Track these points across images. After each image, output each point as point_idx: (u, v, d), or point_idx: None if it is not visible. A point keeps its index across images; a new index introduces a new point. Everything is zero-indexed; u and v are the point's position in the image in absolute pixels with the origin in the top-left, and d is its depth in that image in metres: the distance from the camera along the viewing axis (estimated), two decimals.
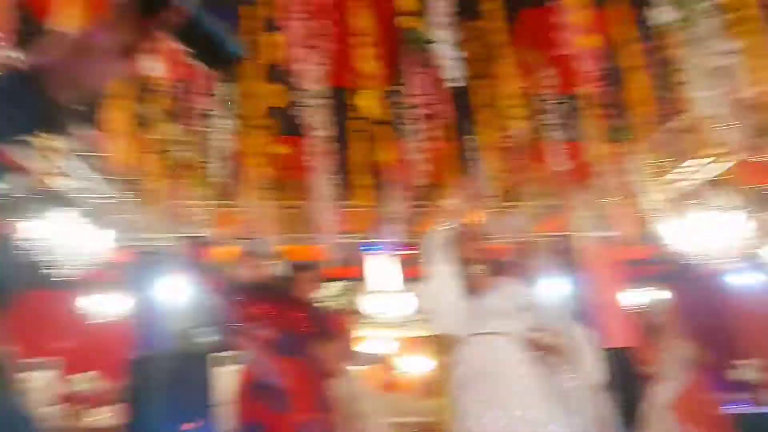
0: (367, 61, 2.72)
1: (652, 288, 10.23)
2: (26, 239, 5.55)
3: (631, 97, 3.51)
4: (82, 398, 7.48)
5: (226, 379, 5.51)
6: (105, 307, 8.87)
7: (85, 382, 7.69)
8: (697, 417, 3.57)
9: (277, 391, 2.42)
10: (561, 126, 4.24)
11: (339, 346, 2.86)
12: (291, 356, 2.52)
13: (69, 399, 7.44)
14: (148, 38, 0.73)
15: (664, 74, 4.03)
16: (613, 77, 3.70)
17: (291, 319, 2.70)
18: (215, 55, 0.76)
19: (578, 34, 2.79)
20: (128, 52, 0.72)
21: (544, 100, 4.23)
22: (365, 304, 8.82)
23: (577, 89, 4.18)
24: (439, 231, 2.78)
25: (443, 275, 2.74)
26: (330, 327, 2.85)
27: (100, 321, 8.80)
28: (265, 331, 2.59)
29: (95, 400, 7.57)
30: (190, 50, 0.75)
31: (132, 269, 7.57)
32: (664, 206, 5.29)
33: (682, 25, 3.12)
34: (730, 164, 4.28)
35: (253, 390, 2.53)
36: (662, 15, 2.89)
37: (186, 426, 5.33)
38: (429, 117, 4.01)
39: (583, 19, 2.93)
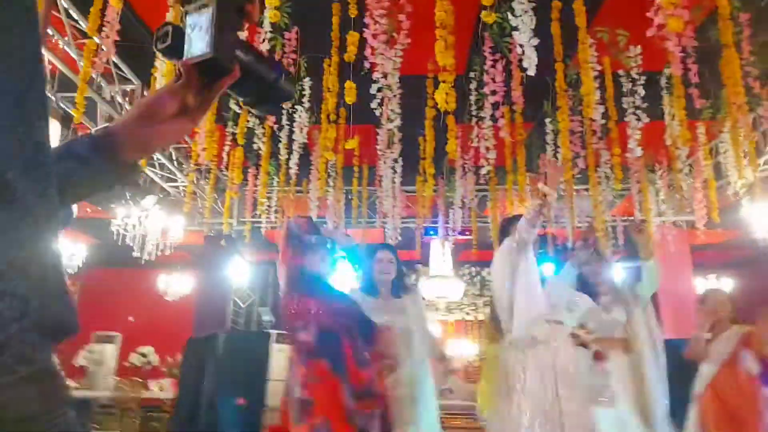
0: (445, 55, 2.65)
1: (724, 275, 9.77)
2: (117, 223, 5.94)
3: (725, 75, 3.27)
4: (142, 371, 7.92)
5: (282, 358, 5.65)
6: (178, 286, 9.33)
7: (144, 355, 8.12)
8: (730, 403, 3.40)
9: (302, 402, 2.39)
10: (643, 105, 4.02)
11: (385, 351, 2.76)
12: (327, 361, 2.44)
13: (130, 371, 7.90)
14: (211, 100, 0.76)
15: (762, 51, 3.76)
16: (704, 54, 3.48)
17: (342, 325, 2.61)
18: (266, 101, 0.77)
19: (668, 11, 2.60)
20: (193, 113, 0.75)
21: (628, 79, 4.01)
22: (424, 288, 8.84)
23: (663, 67, 3.97)
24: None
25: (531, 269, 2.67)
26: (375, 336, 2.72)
27: (172, 299, 9.27)
28: (304, 332, 2.51)
29: (154, 373, 8.00)
30: (242, 99, 0.77)
31: (203, 252, 7.89)
32: (753, 188, 4.96)
33: None
34: None
35: (286, 400, 2.55)
36: None
37: (241, 401, 5.53)
38: (503, 103, 3.92)
39: None
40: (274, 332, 7.22)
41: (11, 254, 0.43)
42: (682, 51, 2.84)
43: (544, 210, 2.54)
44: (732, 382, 3.42)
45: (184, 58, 0.69)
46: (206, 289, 7.87)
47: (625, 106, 4.02)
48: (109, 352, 8.26)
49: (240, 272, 9.72)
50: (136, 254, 6.36)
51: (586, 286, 3.26)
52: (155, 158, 5.65)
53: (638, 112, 3.97)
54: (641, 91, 3.91)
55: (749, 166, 4.57)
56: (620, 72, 4.04)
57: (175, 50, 0.69)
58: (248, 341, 6.33)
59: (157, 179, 6.16)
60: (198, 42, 0.68)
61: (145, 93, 4.76)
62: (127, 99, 4.81)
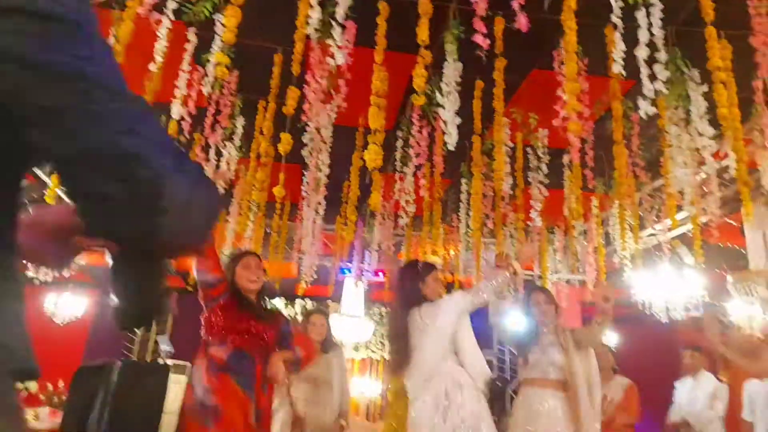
0: (376, 119, 2.86)
1: (609, 329, 10.70)
2: None
3: (615, 165, 3.77)
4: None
5: (178, 390, 5.43)
6: (69, 308, 8.66)
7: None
8: None
9: (211, 412, 2.42)
10: (546, 181, 4.50)
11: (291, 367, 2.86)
12: (238, 377, 2.51)
13: None
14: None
15: (650, 144, 4.36)
16: (603, 139, 3.98)
17: (260, 338, 2.66)
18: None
19: (573, 99, 2.99)
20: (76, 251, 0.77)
21: (535, 156, 4.48)
22: (333, 325, 8.86)
23: (565, 146, 4.46)
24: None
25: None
26: (291, 346, 2.82)
27: (61, 321, 8.59)
28: (220, 348, 2.55)
29: (31, 401, 7.36)
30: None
31: (105, 274, 7.44)
32: (634, 258, 5.60)
33: (671, 105, 3.40)
34: (698, 225, 4.60)
35: (191, 408, 2.53)
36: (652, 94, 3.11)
37: None
38: (425, 162, 4.20)
39: (578, 86, 3.13)
40: (171, 363, 6.92)
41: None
42: (581, 142, 3.25)
43: (510, 283, 2.83)
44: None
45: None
46: (104, 313, 7.40)
47: (530, 180, 4.48)
48: None
49: None
50: (30, 274, 5.90)
51: (532, 325, 3.47)
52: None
53: (540, 186, 4.45)
54: (544, 169, 4.39)
55: (632, 239, 5.19)
56: (529, 148, 4.51)
57: None
58: (145, 372, 6.01)
59: (62, 194, 5.81)
60: None
61: None
62: None
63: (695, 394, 5.15)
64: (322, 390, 3.69)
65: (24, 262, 0.78)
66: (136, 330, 9.48)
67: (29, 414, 6.92)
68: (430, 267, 3.10)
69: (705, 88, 3.02)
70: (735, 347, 3.53)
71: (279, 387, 3.71)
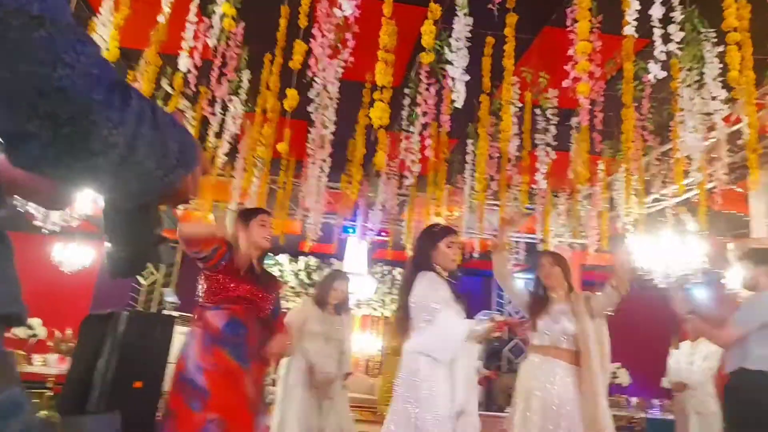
0: (384, 75, 2.82)
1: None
2: None
3: (623, 128, 3.73)
4: (27, 344, 7.44)
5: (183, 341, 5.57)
6: (76, 257, 8.79)
7: (31, 327, 7.62)
8: None
9: (199, 394, 2.33)
10: (553, 143, 4.46)
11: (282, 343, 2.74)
12: (232, 349, 2.43)
13: (13, 343, 7.41)
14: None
15: (660, 107, 4.30)
16: (614, 100, 3.92)
17: (258, 306, 2.56)
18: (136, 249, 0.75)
19: (584, 60, 2.93)
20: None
21: (544, 117, 4.42)
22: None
23: (574, 107, 4.41)
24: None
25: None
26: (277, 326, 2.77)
27: (69, 271, 8.73)
28: (216, 314, 2.54)
29: (40, 347, 7.56)
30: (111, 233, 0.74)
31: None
32: (637, 223, 5.61)
33: (684, 67, 3.33)
34: (705, 191, 4.58)
35: (180, 381, 2.52)
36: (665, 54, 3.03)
37: (138, 384, 5.40)
38: (431, 121, 4.16)
39: (589, 45, 3.06)
40: (176, 314, 7.06)
41: None
42: (590, 103, 3.21)
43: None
44: None
45: None
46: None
47: (537, 141, 4.44)
48: None
49: None
50: (38, 223, 5.97)
51: (539, 293, 3.30)
52: None
53: (548, 148, 4.41)
54: (553, 130, 4.34)
55: (637, 203, 5.19)
56: (537, 109, 4.44)
57: None
58: (151, 322, 6.15)
59: None
60: None
61: None
62: None
63: (692, 358, 5.32)
64: (330, 345, 4.11)
65: (19, 199, 0.79)
66: (141, 281, 9.66)
67: (38, 360, 7.14)
68: (444, 233, 2.86)
69: (721, 48, 2.95)
70: (701, 318, 3.50)
71: (293, 339, 4.02)
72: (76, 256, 8.77)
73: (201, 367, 2.41)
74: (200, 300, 2.61)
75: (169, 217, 7.45)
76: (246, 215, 2.76)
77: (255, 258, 2.69)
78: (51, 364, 7.08)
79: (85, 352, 5.40)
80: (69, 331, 7.64)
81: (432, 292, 2.59)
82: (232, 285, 2.54)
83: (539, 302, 3.28)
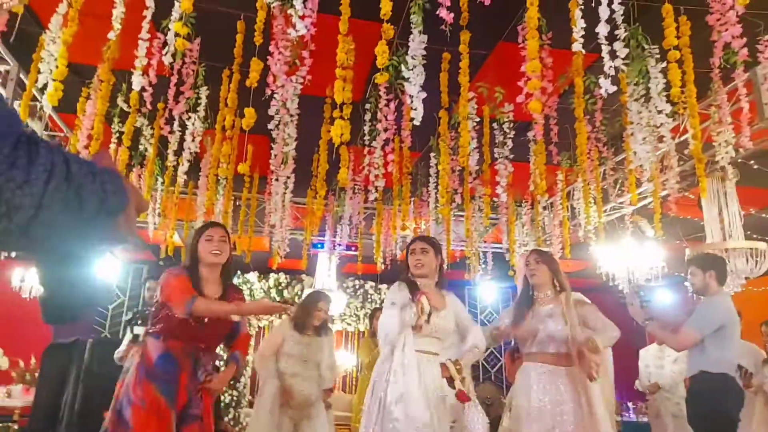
0: (343, 93, 2.84)
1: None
2: None
3: (577, 141, 3.84)
4: None
5: None
6: (35, 282, 8.50)
7: None
8: None
9: (122, 423, 2.33)
10: (511, 156, 4.55)
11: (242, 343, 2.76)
12: (161, 385, 2.40)
13: None
14: None
15: (613, 119, 4.44)
16: (568, 112, 4.04)
17: (201, 341, 2.52)
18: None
19: (536, 77, 3.01)
20: None
21: (501, 131, 4.52)
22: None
23: (531, 120, 4.51)
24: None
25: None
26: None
27: (28, 296, 8.43)
28: (155, 343, 2.46)
29: (3, 379, 7.26)
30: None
31: None
32: (597, 231, 5.76)
33: (631, 81, 3.46)
34: (659, 199, 4.74)
35: (113, 409, 2.46)
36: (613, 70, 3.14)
37: (107, 413, 5.25)
38: (393, 136, 4.20)
39: (540, 65, 3.15)
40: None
41: None
42: (544, 116, 3.29)
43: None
44: None
45: None
46: None
47: (496, 155, 4.53)
48: None
49: (110, 271, 9.13)
50: None
51: (526, 293, 3.12)
52: None
53: (506, 161, 4.51)
54: (510, 143, 4.45)
55: (596, 212, 5.32)
56: (495, 123, 4.54)
57: None
58: (117, 349, 5.98)
59: None
60: None
61: (21, 76, 4.39)
62: (0, 80, 4.41)
63: (662, 362, 5.44)
64: (308, 367, 4.07)
65: None
66: (107, 306, 9.39)
67: (1, 392, 6.84)
68: (411, 243, 3.03)
69: (664, 64, 3.08)
70: (656, 322, 3.50)
71: (266, 362, 3.97)
72: (37, 281, 8.47)
73: (131, 399, 2.40)
74: (148, 325, 2.60)
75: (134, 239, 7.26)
76: (195, 233, 2.72)
77: (212, 277, 2.62)
78: (16, 396, 6.78)
79: (49, 381, 5.21)
80: (33, 360, 7.36)
81: (387, 298, 2.87)
82: (179, 323, 2.46)
83: (525, 305, 3.08)
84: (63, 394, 4.91)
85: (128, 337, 4.11)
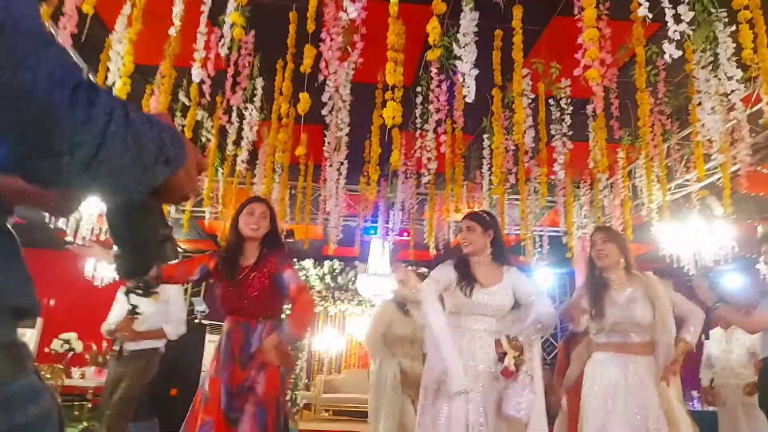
0: (394, 75, 2.85)
1: None
2: None
3: (639, 114, 3.68)
4: (64, 357, 7.67)
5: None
6: (107, 271, 9.02)
7: (67, 341, 7.85)
8: None
9: (203, 393, 2.47)
10: (569, 133, 4.42)
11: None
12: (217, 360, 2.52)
13: (50, 358, 7.64)
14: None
15: (677, 91, 4.23)
16: (629, 86, 3.88)
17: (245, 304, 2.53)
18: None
19: (594, 45, 2.91)
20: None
21: (558, 108, 4.39)
22: (361, 284, 9.06)
23: (589, 96, 4.36)
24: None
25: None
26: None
27: (100, 284, 8.97)
28: (224, 327, 2.58)
29: (77, 361, 7.77)
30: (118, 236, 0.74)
31: None
32: (662, 211, 5.51)
33: (698, 48, 3.28)
34: (728, 174, 4.48)
35: (200, 382, 2.63)
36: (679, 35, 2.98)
37: (174, 392, 5.51)
38: (446, 118, 4.17)
39: (598, 33, 3.03)
40: (207, 323, 7.20)
41: None
42: (604, 90, 3.18)
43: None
44: None
45: None
46: None
47: (553, 132, 4.40)
48: (28, 337, 7.91)
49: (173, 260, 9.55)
50: (68, 238, 6.17)
51: (596, 279, 2.89)
52: None
53: (564, 138, 4.37)
54: (568, 120, 4.31)
55: (660, 191, 5.10)
56: (551, 100, 4.41)
57: None
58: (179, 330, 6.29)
59: None
60: None
61: (90, 77, 4.65)
62: None
63: (730, 346, 5.17)
64: (416, 347, 4.16)
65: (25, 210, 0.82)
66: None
67: (76, 373, 7.35)
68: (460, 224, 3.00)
69: (732, 28, 2.90)
70: (729, 307, 3.26)
71: (375, 345, 4.15)
72: (107, 270, 9.00)
73: (209, 373, 2.56)
74: None
75: (193, 228, 7.61)
76: (237, 210, 2.72)
77: (250, 251, 2.63)
78: (89, 377, 7.29)
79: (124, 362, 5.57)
80: (104, 344, 7.87)
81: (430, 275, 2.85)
82: (221, 294, 2.59)
83: (598, 290, 2.83)
84: None
85: (119, 309, 4.32)
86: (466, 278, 2.72)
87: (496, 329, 2.67)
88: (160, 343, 4.40)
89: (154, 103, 3.90)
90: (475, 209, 6.44)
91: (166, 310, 4.37)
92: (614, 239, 2.89)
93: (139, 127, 0.58)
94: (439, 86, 3.71)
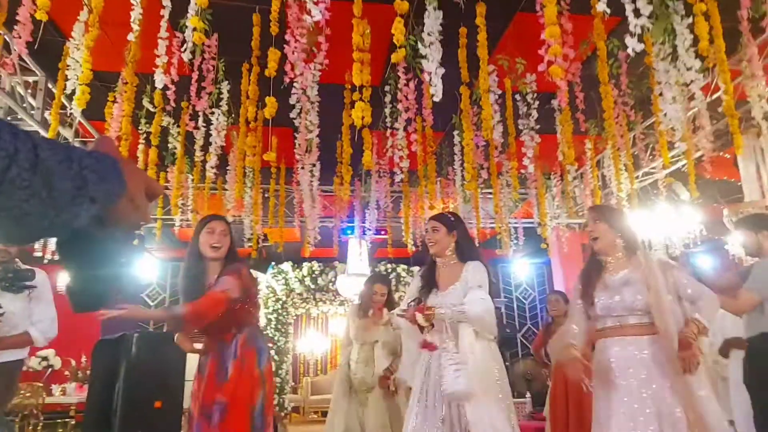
0: (361, 75, 2.84)
1: None
2: None
3: (603, 106, 3.75)
4: (43, 375, 7.49)
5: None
6: None
7: (45, 359, 7.66)
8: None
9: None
10: (537, 127, 4.48)
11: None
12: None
13: (29, 376, 7.46)
14: None
15: (639, 82, 4.32)
16: (592, 79, 3.95)
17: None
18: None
19: (556, 42, 2.94)
20: None
21: (524, 103, 4.44)
22: (341, 285, 9.05)
23: (554, 90, 4.43)
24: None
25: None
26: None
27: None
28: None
29: (57, 378, 7.61)
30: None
31: None
32: (630, 198, 5.63)
33: (657, 41, 3.35)
34: (692, 160, 4.60)
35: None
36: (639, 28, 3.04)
37: (158, 404, 5.44)
38: (415, 116, 4.18)
39: (560, 30, 3.08)
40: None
41: None
42: (568, 84, 3.23)
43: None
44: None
45: None
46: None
47: (521, 127, 4.46)
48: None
49: (149, 269, 9.41)
50: (37, 254, 6.01)
51: (594, 263, 2.66)
52: None
53: (532, 132, 4.43)
54: (535, 114, 4.37)
55: (628, 179, 5.21)
56: (518, 95, 4.47)
57: None
58: (162, 342, 6.19)
59: None
60: None
61: (49, 85, 4.53)
62: (29, 91, 4.56)
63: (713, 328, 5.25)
64: (364, 349, 4.16)
65: None
66: (149, 302, 9.71)
67: (57, 390, 7.18)
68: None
69: (689, 20, 2.97)
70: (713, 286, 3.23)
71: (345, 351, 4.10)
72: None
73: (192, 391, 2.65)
74: None
75: (167, 236, 7.47)
76: (196, 228, 2.66)
77: (212, 271, 2.59)
78: (70, 393, 7.12)
79: (100, 376, 5.44)
80: (84, 359, 7.69)
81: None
82: None
83: (590, 277, 2.63)
84: (114, 388, 5.12)
85: None
86: (428, 285, 2.80)
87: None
88: (24, 353, 3.39)
89: (117, 110, 3.82)
90: (442, 209, 6.52)
91: (33, 308, 3.30)
92: (605, 218, 2.62)
93: (51, 167, 0.54)
94: (407, 85, 3.71)
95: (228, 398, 2.40)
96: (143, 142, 4.68)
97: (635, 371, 2.41)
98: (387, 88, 4.28)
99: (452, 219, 2.90)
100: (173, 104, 3.64)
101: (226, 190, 5.81)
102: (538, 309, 11.64)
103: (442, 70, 2.82)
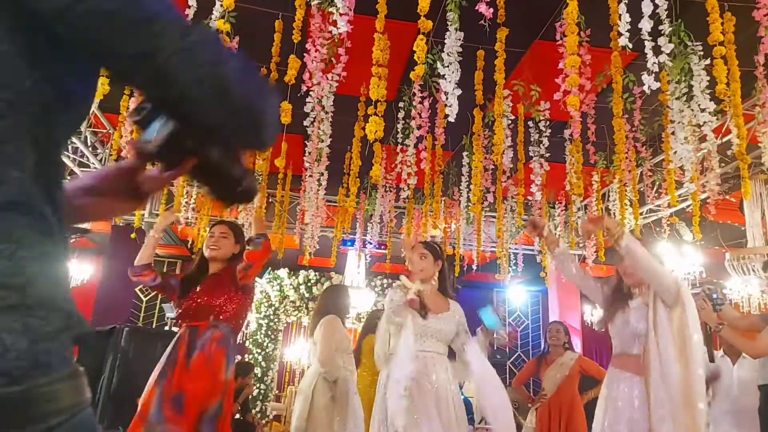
0: (377, 90, 2.86)
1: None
2: None
3: (615, 139, 3.76)
4: None
5: None
6: (76, 273, 8.80)
7: None
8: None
9: None
10: (546, 155, 4.50)
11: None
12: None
13: None
14: (160, 184, 0.77)
15: (652, 119, 4.35)
16: (605, 111, 3.97)
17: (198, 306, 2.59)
18: (226, 197, 0.75)
19: (575, 72, 2.97)
20: (140, 194, 0.76)
21: (536, 130, 4.47)
22: None
23: (567, 119, 4.46)
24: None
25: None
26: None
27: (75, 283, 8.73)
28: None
29: None
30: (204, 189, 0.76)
31: (110, 240, 7.56)
32: (634, 233, 5.63)
33: (673, 79, 3.38)
34: (698, 202, 4.61)
35: None
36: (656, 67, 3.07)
37: (139, 400, 5.39)
38: (426, 134, 4.20)
39: (578, 60, 3.10)
40: (176, 330, 7.06)
41: (59, 280, 0.54)
42: (582, 114, 3.25)
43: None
44: (565, 400, 3.99)
45: (135, 141, 0.69)
46: (109, 279, 7.53)
47: (531, 153, 4.48)
48: None
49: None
50: None
51: (620, 290, 2.69)
52: (70, 141, 5.40)
53: (541, 160, 4.45)
54: (546, 142, 4.39)
55: (632, 215, 5.21)
56: (530, 121, 4.49)
57: (141, 126, 0.68)
58: (152, 338, 6.14)
59: (68, 162, 5.88)
60: (151, 130, 0.67)
61: None
62: None
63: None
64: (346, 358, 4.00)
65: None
66: (140, 296, 9.66)
67: None
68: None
69: (707, 62, 3.00)
70: (731, 327, 3.04)
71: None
72: (75, 272, 8.77)
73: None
74: None
75: (168, 234, 7.48)
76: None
77: (215, 269, 2.73)
78: None
79: (87, 368, 5.38)
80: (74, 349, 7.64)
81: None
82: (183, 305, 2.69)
83: (617, 299, 2.65)
84: (99, 381, 5.07)
85: None
86: (421, 304, 2.77)
87: (444, 352, 2.76)
88: None
89: (133, 104, 3.84)
90: (443, 230, 6.51)
91: None
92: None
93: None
94: (421, 103, 3.74)
95: (186, 391, 2.37)
96: None
97: (622, 404, 2.50)
98: (401, 104, 4.31)
99: (439, 250, 2.96)
100: None
101: None
102: (530, 337, 11.57)
103: (458, 91, 2.84)
